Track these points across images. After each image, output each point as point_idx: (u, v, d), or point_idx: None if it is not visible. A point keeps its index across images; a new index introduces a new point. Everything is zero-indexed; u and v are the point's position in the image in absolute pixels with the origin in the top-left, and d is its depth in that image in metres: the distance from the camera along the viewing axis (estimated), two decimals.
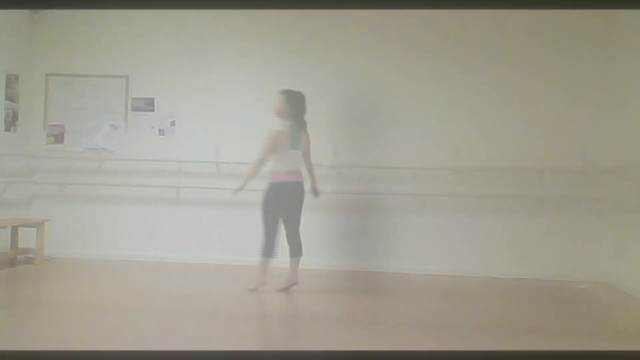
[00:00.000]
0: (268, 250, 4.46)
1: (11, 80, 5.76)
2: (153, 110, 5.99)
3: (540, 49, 5.64)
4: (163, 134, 5.98)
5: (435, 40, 5.78)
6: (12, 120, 5.79)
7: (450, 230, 5.69)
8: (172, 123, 5.96)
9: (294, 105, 4.56)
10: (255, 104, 5.85)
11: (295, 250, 4.57)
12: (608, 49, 5.56)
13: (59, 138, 6.07)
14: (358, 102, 5.85)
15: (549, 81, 5.64)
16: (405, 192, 5.68)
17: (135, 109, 6.01)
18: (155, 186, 5.88)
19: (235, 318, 3.79)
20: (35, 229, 5.52)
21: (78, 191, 6.01)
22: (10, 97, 5.76)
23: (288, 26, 5.92)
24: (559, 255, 5.57)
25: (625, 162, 5.13)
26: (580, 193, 5.52)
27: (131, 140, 5.99)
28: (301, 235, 4.61)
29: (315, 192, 4.77)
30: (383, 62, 5.82)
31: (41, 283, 4.90)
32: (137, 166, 5.92)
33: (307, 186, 4.63)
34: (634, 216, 4.99)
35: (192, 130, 5.95)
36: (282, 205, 4.49)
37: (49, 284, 4.85)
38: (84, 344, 3.02)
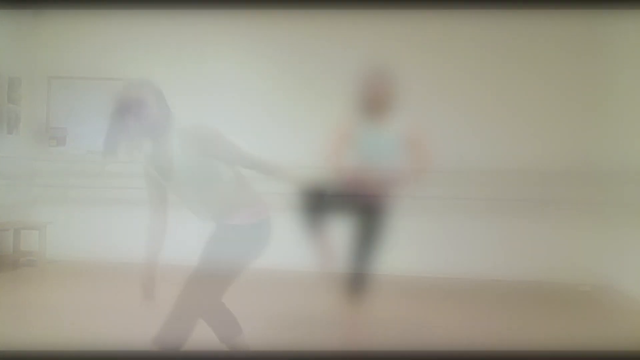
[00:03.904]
0: None
1: (13, 83, 5.78)
2: None
3: (541, 51, 5.63)
4: None
5: (435, 43, 5.78)
6: (14, 123, 5.81)
7: (451, 233, 5.68)
8: None
9: None
10: (254, 106, 5.87)
11: None
12: (610, 50, 5.55)
13: (61, 141, 6.08)
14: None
15: (550, 83, 5.64)
16: (406, 194, 5.66)
17: None
18: None
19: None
20: (37, 232, 5.54)
21: (80, 193, 6.02)
22: (13, 100, 5.78)
23: (288, 27, 5.90)
24: (561, 258, 5.56)
25: (627, 165, 5.11)
26: (583, 195, 5.51)
27: None
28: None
29: None
30: (383, 62, 5.82)
31: (43, 285, 4.91)
32: (139, 168, 5.90)
33: None
34: (636, 218, 4.98)
35: None
36: None
37: (51, 286, 4.86)
38: (86, 346, 3.02)
